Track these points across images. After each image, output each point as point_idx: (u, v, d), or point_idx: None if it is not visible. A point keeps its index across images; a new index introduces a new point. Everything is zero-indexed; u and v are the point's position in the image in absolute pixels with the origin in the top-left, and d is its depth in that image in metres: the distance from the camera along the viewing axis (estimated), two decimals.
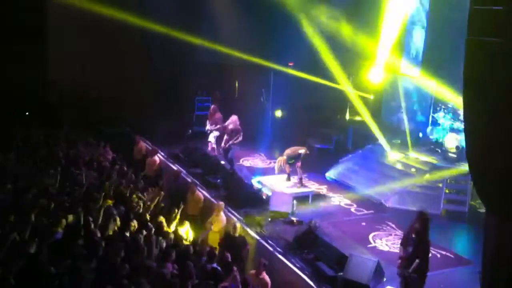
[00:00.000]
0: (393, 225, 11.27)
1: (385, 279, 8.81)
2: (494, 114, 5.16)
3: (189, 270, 7.52)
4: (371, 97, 16.59)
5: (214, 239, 10.03)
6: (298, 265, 9.19)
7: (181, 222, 10.03)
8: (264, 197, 12.12)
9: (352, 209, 12.28)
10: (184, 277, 7.36)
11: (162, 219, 9.54)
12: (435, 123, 14.47)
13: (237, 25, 16.31)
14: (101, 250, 7.50)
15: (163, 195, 10.87)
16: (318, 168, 14.34)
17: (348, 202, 12.63)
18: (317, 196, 12.67)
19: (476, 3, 5.19)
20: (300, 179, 12.54)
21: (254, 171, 14.14)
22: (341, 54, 15.72)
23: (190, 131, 16.92)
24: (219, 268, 8.15)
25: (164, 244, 8.62)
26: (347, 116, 17.45)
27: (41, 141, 13.23)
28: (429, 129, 14.63)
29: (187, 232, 9.86)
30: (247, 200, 11.81)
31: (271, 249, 9.76)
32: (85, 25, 15.77)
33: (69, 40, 16.46)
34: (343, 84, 16.24)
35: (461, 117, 13.23)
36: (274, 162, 13.17)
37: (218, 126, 14.59)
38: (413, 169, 13.48)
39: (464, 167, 12.18)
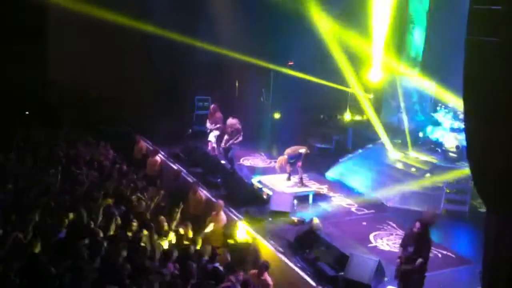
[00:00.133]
0: (394, 225, 11.28)
1: (386, 279, 8.79)
2: (494, 114, 5.16)
3: (190, 270, 7.53)
4: (370, 96, 16.61)
5: (214, 239, 10.02)
6: (299, 265, 9.18)
7: (182, 222, 10.03)
8: (264, 196, 12.13)
9: (353, 209, 12.28)
10: (185, 277, 7.37)
11: (162, 218, 9.55)
12: (435, 123, 14.48)
13: (237, 25, 16.31)
14: (103, 250, 7.51)
15: (162, 195, 10.88)
16: (318, 167, 14.35)
17: (349, 201, 12.63)
18: (318, 196, 12.67)
19: (476, 2, 5.19)
20: (301, 178, 12.53)
21: (254, 171, 14.15)
22: (341, 54, 15.73)
23: (190, 130, 16.93)
24: (220, 267, 8.16)
25: (166, 244, 8.63)
26: (347, 116, 17.45)
27: (41, 141, 13.23)
28: (429, 129, 14.66)
29: (188, 232, 9.86)
30: (247, 199, 11.80)
31: (272, 249, 9.76)
32: (85, 25, 15.69)
33: (69, 40, 16.44)
34: (343, 84, 16.24)
35: (461, 117, 13.26)
36: (275, 162, 13.18)
37: (218, 125, 14.56)
38: (413, 169, 13.50)
39: (465, 168, 12.19)
